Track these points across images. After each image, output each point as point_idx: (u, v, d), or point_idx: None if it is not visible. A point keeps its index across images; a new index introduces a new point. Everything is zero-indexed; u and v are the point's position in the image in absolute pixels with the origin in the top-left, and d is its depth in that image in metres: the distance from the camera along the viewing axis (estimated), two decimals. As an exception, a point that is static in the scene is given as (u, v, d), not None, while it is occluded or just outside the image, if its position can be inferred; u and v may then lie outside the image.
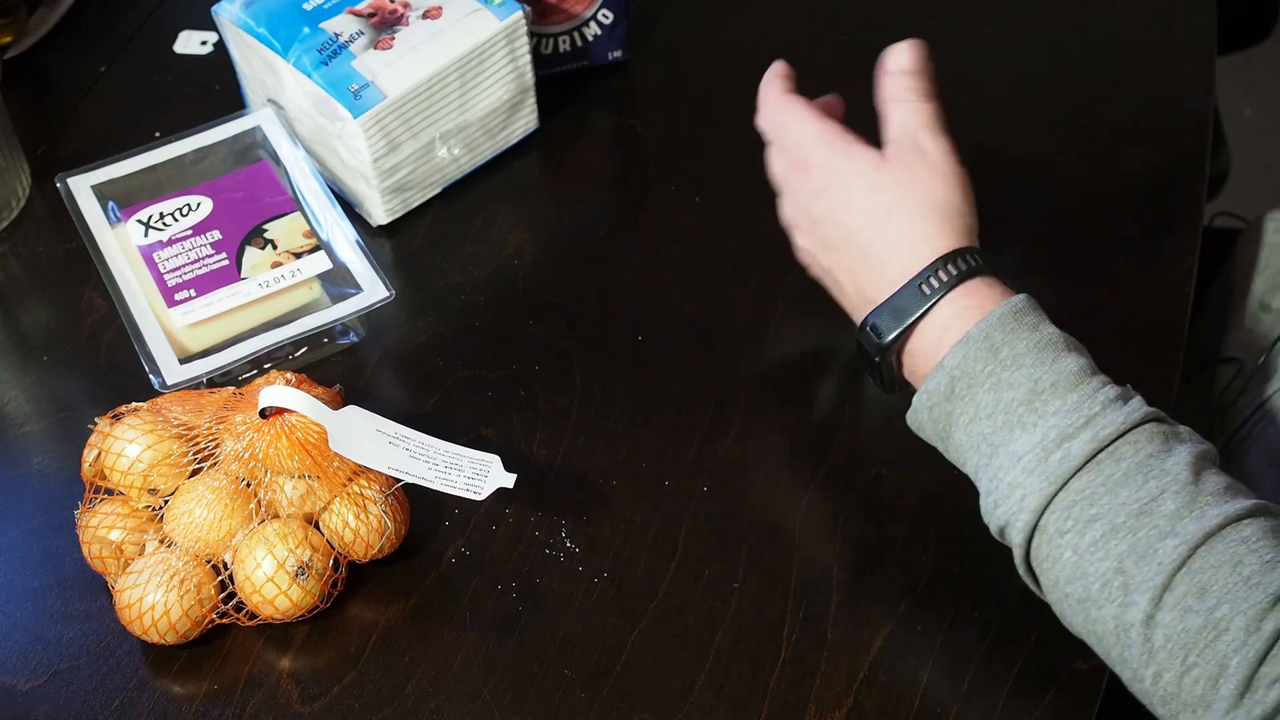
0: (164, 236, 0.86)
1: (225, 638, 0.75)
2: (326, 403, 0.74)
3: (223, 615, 0.74)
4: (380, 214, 0.93)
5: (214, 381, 0.81)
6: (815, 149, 0.76)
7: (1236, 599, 0.60)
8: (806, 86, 0.79)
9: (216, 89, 1.02)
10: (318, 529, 0.75)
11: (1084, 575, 0.64)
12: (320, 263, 0.85)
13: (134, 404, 0.77)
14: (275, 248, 0.86)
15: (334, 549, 0.75)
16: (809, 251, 0.79)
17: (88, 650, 0.75)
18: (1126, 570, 0.63)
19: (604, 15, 0.99)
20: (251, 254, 0.86)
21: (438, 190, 0.95)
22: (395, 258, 0.93)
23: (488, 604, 0.76)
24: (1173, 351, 0.86)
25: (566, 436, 0.83)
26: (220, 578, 0.74)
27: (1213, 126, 1.00)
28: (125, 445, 0.74)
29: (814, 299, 0.82)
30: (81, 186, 0.89)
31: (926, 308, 0.71)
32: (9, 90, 0.98)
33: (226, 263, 0.85)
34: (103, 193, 0.88)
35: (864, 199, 0.74)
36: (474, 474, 0.73)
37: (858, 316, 0.75)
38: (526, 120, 0.97)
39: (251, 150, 0.92)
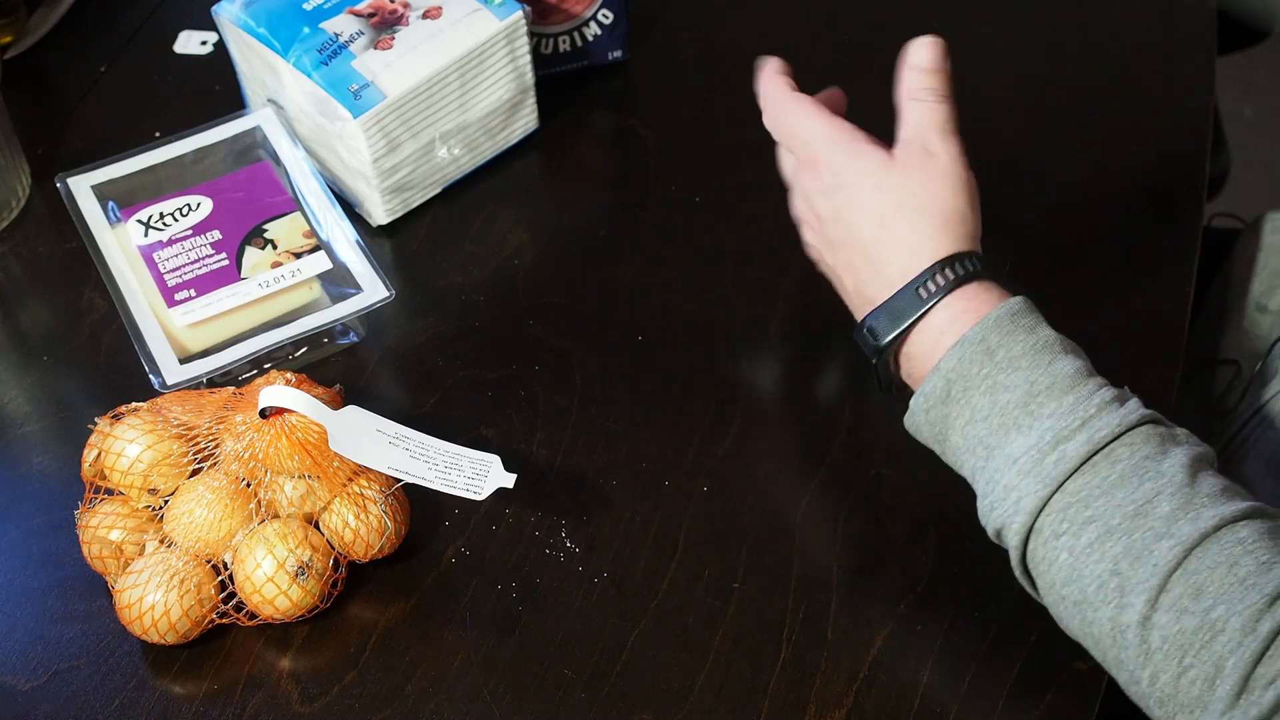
0: (164, 236, 0.86)
1: (225, 638, 0.75)
2: (326, 403, 0.74)
3: (223, 615, 0.74)
4: (380, 214, 0.93)
5: (214, 381, 0.81)
6: (824, 148, 0.76)
7: (1232, 600, 0.60)
8: (806, 87, 0.79)
9: (216, 89, 1.02)
10: (318, 529, 0.75)
11: (1080, 577, 0.64)
12: (320, 263, 0.85)
13: (134, 404, 0.77)
14: (275, 248, 0.86)
15: (334, 549, 0.75)
16: (817, 248, 0.79)
17: (88, 650, 0.75)
18: (1122, 572, 0.63)
19: (604, 15, 0.99)
20: (251, 254, 0.86)
21: (438, 190, 0.95)
22: (395, 258, 0.93)
23: (488, 604, 0.76)
24: (1172, 352, 0.85)
25: (566, 436, 0.83)
26: (220, 578, 0.74)
27: (1213, 127, 1.00)
28: (125, 445, 0.74)
29: (814, 299, 0.82)
30: (81, 186, 0.89)
31: (923, 311, 0.71)
32: (9, 90, 0.98)
33: (226, 263, 0.85)
34: (103, 193, 0.89)
35: (870, 200, 0.74)
36: (474, 474, 0.73)
37: (858, 316, 0.75)
38: (526, 120, 0.97)
39: (251, 150, 0.92)
